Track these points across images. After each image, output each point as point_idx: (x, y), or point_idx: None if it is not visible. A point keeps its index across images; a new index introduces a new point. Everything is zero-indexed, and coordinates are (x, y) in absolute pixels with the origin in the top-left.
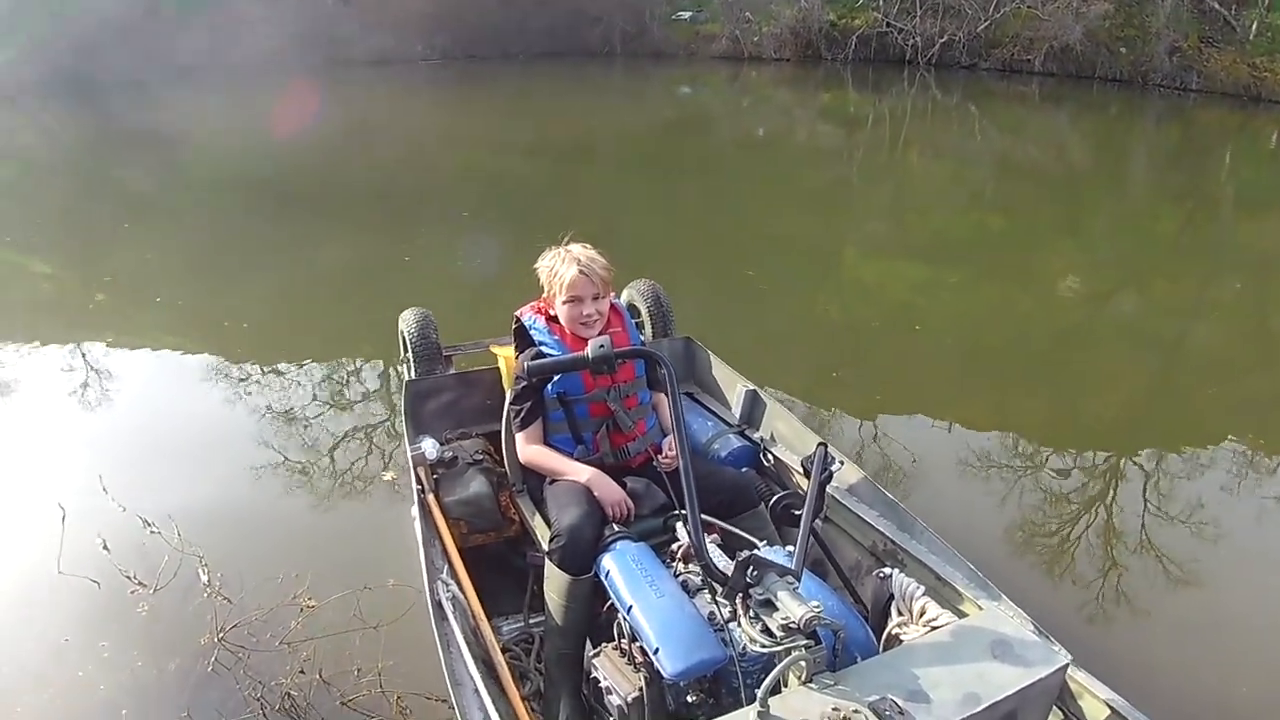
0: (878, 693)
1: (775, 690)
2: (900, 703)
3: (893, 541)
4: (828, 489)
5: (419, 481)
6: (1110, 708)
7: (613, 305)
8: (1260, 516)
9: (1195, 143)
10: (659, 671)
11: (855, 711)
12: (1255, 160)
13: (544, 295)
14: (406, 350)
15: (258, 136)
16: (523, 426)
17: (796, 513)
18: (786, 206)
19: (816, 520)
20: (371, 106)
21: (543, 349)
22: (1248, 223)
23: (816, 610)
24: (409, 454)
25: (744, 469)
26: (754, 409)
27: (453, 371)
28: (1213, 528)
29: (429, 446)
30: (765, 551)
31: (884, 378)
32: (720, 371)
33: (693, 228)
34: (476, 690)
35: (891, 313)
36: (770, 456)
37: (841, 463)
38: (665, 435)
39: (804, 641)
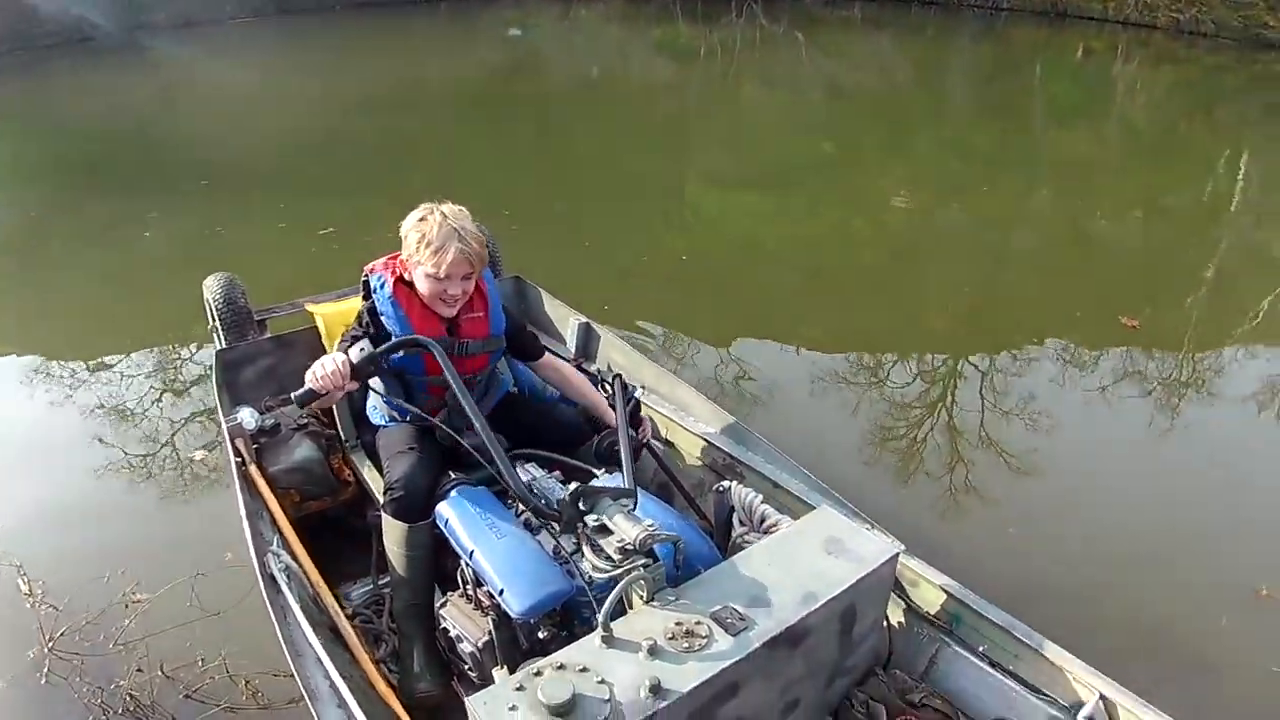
0: (719, 602)
1: (620, 613)
2: (741, 609)
3: (731, 456)
4: (668, 414)
5: (237, 454)
6: (945, 592)
7: (477, 284)
8: (1087, 405)
9: (1008, 59)
10: (506, 613)
11: (698, 623)
12: (1063, 73)
13: (403, 256)
14: (214, 319)
15: (59, 113)
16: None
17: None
18: (626, 144)
19: (656, 445)
20: (182, 73)
21: (383, 320)
22: (1057, 132)
23: (650, 528)
24: (224, 426)
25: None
26: (589, 342)
27: (268, 336)
28: (1045, 418)
29: (246, 415)
30: (604, 479)
31: (732, 306)
32: (553, 308)
33: (532, 171)
34: (319, 659)
35: (735, 242)
36: (608, 386)
37: (641, 387)
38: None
39: (642, 561)
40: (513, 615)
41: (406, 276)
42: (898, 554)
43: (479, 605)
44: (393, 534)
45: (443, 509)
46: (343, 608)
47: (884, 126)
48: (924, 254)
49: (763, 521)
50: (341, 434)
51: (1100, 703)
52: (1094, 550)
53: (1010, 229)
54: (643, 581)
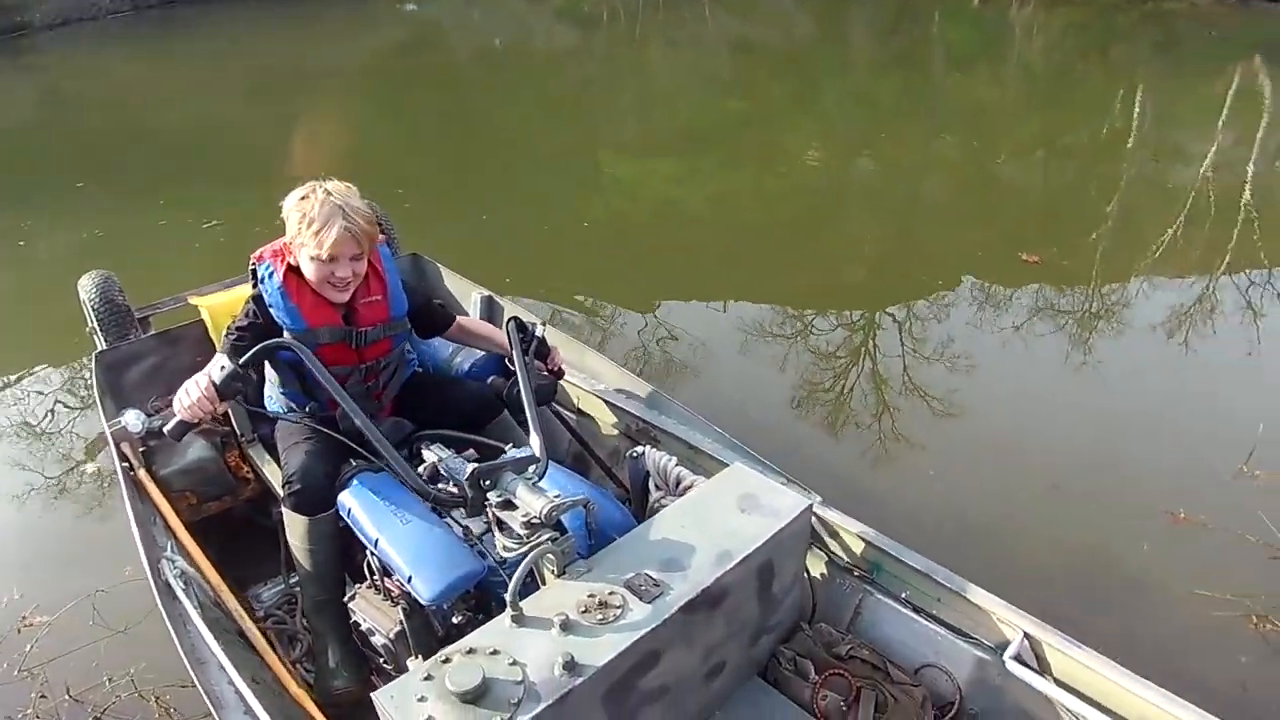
0: (633, 569)
1: (533, 589)
2: (655, 575)
3: (644, 421)
4: (579, 384)
5: (123, 458)
6: (864, 540)
7: (373, 265)
8: (1003, 345)
9: (908, 9)
10: (417, 600)
11: (611, 594)
12: (962, 20)
13: (286, 239)
14: (91, 320)
15: None
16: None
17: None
18: (535, 115)
19: (569, 415)
20: (63, 72)
21: (271, 311)
22: (959, 79)
23: (555, 500)
24: (108, 432)
25: (490, 379)
26: (492, 314)
27: (151, 334)
28: (964, 360)
29: (131, 418)
30: (513, 452)
31: (653, 271)
32: (454, 283)
33: (436, 148)
34: (221, 666)
35: (652, 207)
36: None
37: (543, 324)
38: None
39: (549, 534)
40: (423, 602)
41: (294, 262)
42: (811, 506)
43: (389, 595)
44: (295, 528)
45: (344, 498)
46: (252, 610)
47: (791, 82)
48: (838, 207)
49: (679, 484)
50: (237, 429)
51: (1025, 641)
52: (1015, 486)
53: (918, 178)
54: (551, 555)
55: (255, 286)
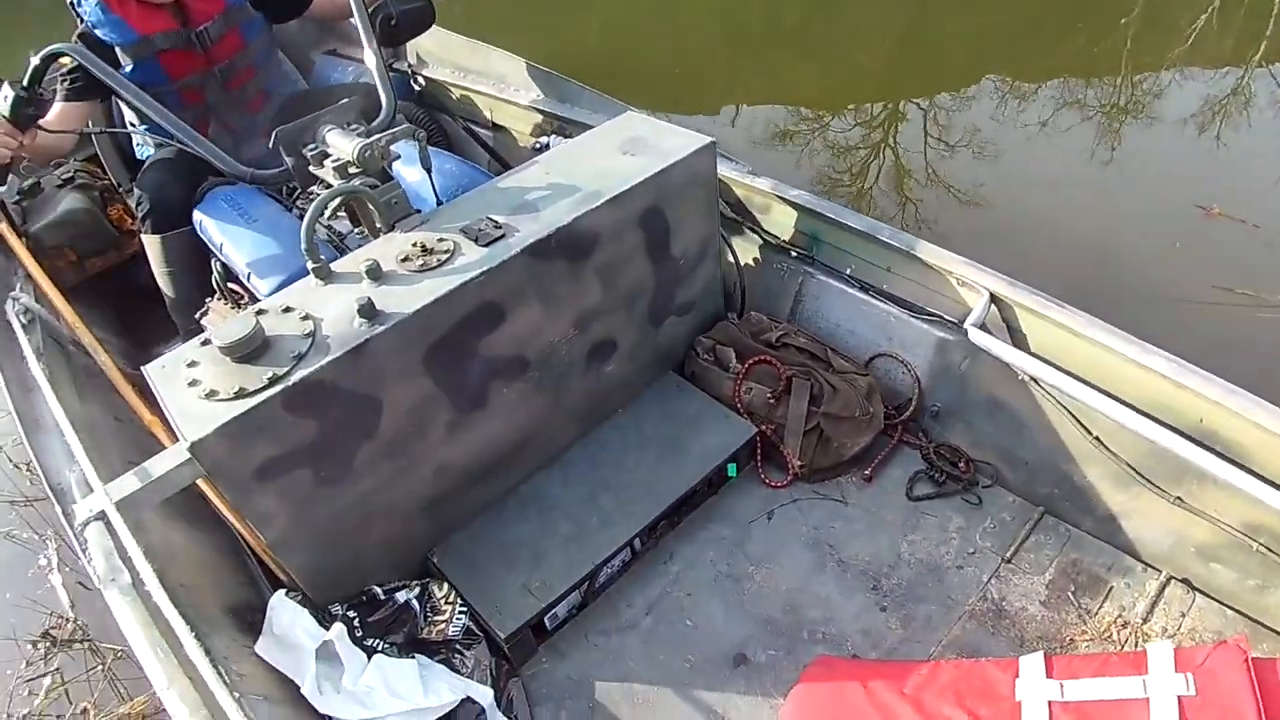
0: (475, 216)
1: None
2: (501, 219)
3: (556, 116)
4: (490, 92)
5: None
6: (796, 207)
7: None
8: (1029, 138)
9: None
10: (258, 298)
11: (440, 241)
12: None
13: None
14: None
15: None
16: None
17: None
18: None
19: (483, 133)
20: None
21: (99, 36)
22: None
23: (369, 140)
24: None
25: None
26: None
27: None
28: (991, 148)
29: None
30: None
31: (653, 73)
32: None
33: None
34: (42, 393)
35: (647, 9)
36: (421, 79)
37: None
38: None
39: (367, 181)
40: (260, 298)
41: None
42: (714, 145)
43: (237, 303)
44: (153, 251)
45: (196, 214)
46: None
47: None
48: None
49: None
50: (114, 181)
51: (991, 304)
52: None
53: None
54: (373, 208)
55: (79, 22)
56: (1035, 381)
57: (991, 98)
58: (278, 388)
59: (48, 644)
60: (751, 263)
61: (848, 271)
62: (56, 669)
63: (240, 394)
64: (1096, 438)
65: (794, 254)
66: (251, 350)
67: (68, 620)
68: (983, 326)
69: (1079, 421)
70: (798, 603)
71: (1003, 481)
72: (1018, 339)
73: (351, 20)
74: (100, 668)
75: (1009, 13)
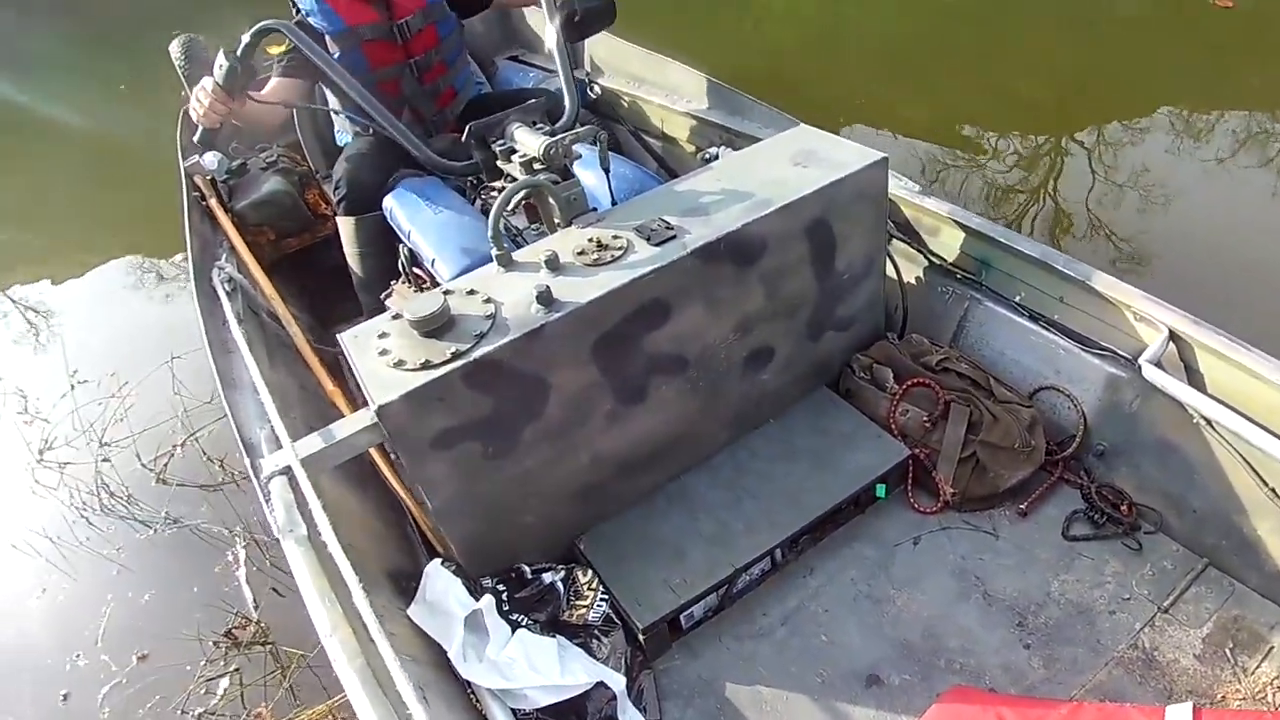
0: (650, 216)
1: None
2: (673, 220)
3: (724, 127)
4: (662, 103)
5: (194, 189)
6: (966, 230)
7: None
8: (1205, 176)
9: None
10: (439, 282)
11: (615, 237)
12: None
13: None
14: (183, 81)
15: None
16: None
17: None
18: None
19: (654, 143)
20: None
21: (311, 23)
22: None
23: (555, 138)
24: (182, 169)
25: None
26: (576, 47)
27: None
28: (1160, 190)
29: (210, 158)
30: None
31: (816, 93)
32: (537, 18)
33: None
34: (242, 355)
35: (807, 32)
36: (598, 88)
37: None
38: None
39: (550, 177)
40: (441, 282)
41: None
42: (886, 161)
43: (420, 286)
44: (345, 232)
45: (387, 201)
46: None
47: None
48: (1013, 21)
49: None
50: (312, 167)
51: (1170, 342)
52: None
53: None
54: (554, 203)
55: (295, 12)
56: (1211, 425)
57: (1167, 134)
58: (459, 362)
59: (229, 643)
60: (915, 283)
61: (1016, 299)
62: (235, 669)
63: (425, 365)
64: (1273, 489)
65: (960, 277)
66: (438, 326)
67: (250, 621)
68: (1159, 364)
69: (1255, 471)
70: (937, 630)
71: (1166, 528)
72: (1194, 379)
73: (530, 23)
74: (278, 671)
75: (1188, 44)
